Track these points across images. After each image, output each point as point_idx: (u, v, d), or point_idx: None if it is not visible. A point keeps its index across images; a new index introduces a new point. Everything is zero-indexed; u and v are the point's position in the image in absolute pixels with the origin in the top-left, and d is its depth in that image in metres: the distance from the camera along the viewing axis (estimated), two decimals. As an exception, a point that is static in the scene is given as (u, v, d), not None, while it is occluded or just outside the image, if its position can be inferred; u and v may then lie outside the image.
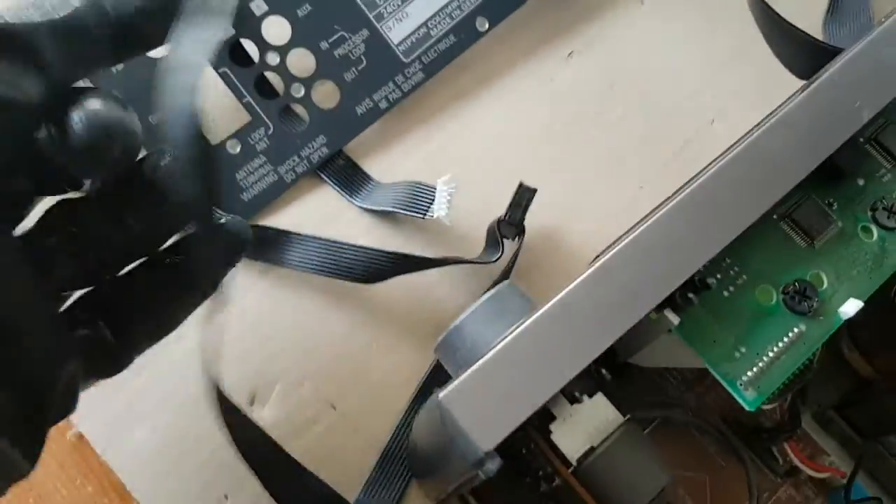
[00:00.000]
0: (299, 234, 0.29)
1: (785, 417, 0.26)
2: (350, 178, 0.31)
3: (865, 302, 0.22)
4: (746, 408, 0.20)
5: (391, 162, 0.32)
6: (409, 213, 0.29)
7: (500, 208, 0.29)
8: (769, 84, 0.31)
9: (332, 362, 0.28)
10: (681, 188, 0.22)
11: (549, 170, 0.32)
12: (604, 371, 0.20)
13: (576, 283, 0.20)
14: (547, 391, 0.18)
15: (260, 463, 0.24)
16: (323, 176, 0.31)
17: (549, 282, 0.30)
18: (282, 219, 0.30)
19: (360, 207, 0.30)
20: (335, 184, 0.31)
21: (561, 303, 0.19)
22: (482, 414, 0.18)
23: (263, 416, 0.28)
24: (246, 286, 0.29)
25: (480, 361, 0.18)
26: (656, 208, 0.22)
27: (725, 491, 0.27)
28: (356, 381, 0.28)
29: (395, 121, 0.32)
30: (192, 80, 0.18)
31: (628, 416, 0.21)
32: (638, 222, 0.23)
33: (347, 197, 0.30)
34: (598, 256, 0.23)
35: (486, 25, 0.32)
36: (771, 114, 0.23)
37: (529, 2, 0.33)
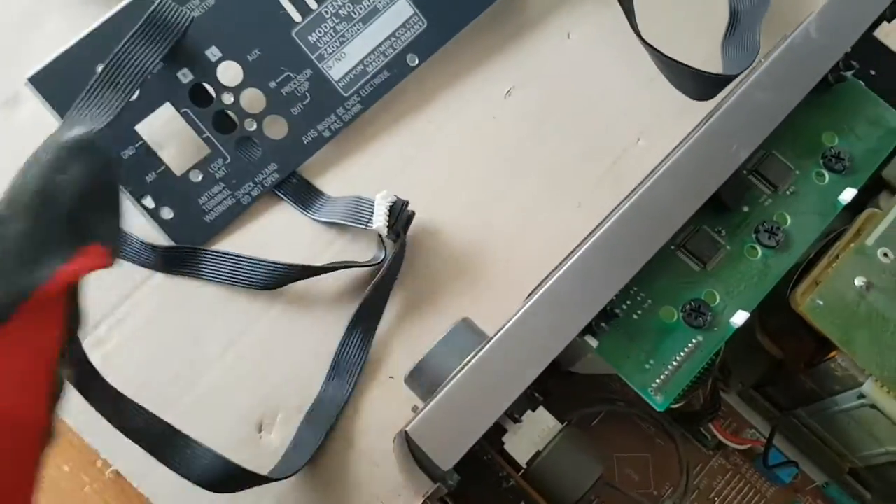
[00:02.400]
0: (208, 250, 0.34)
1: (707, 402, 0.30)
2: (304, 194, 0.36)
3: (755, 308, 0.26)
4: (657, 409, 0.25)
5: (342, 178, 0.36)
6: (353, 223, 0.34)
7: (442, 234, 0.34)
8: (685, 102, 0.36)
9: (324, 389, 0.33)
10: (594, 229, 0.27)
11: (496, 198, 0.36)
12: (536, 394, 0.24)
13: (510, 322, 0.24)
14: (490, 417, 0.23)
15: (148, 439, 0.27)
16: (279, 194, 0.35)
17: (506, 301, 0.35)
18: (244, 235, 0.35)
19: (314, 220, 0.35)
20: (291, 200, 0.35)
21: (499, 341, 0.24)
22: (441, 440, 0.23)
23: (271, 441, 0.32)
24: (253, 320, 0.34)
25: (436, 398, 0.23)
26: (577, 247, 0.27)
27: (665, 466, 0.32)
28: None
29: (344, 144, 0.37)
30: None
31: (566, 423, 0.26)
32: (562, 261, 0.27)
33: (302, 211, 0.35)
34: (530, 294, 0.27)
35: (416, 61, 0.37)
36: (664, 160, 0.27)
37: (470, 37, 0.37)
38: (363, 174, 0.36)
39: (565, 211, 0.36)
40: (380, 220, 0.33)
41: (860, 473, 0.31)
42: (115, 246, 0.22)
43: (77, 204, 0.21)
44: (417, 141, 0.37)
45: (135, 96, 0.33)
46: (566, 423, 0.26)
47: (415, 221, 0.35)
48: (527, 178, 0.37)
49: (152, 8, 0.32)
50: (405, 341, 0.34)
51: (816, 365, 0.28)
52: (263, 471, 0.30)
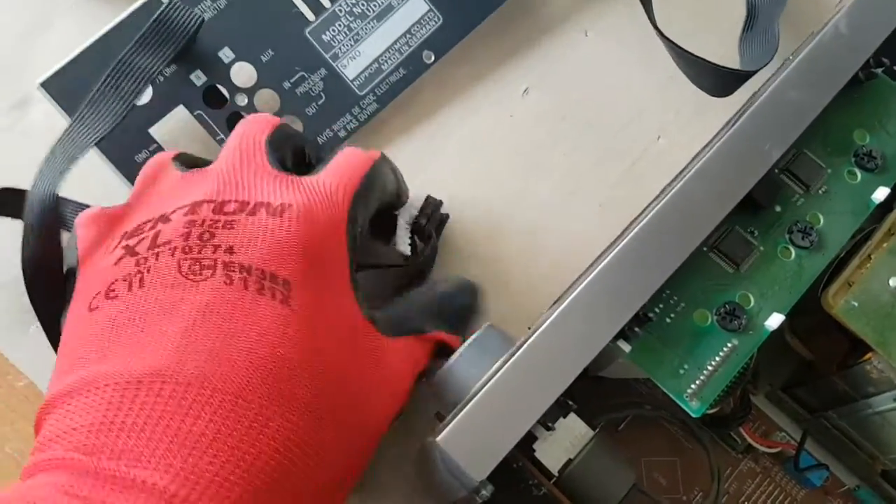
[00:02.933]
0: None
1: (737, 406, 0.30)
2: None
3: (790, 311, 0.26)
4: (693, 415, 0.24)
5: None
6: None
7: (462, 234, 0.34)
8: (704, 99, 0.35)
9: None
10: (628, 227, 0.26)
11: (515, 198, 0.36)
12: (569, 402, 0.24)
13: (542, 328, 0.24)
14: (524, 426, 0.22)
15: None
16: None
17: (526, 301, 0.34)
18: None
19: None
20: None
21: (530, 347, 0.24)
22: (473, 450, 0.22)
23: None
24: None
25: (468, 407, 0.23)
26: (607, 249, 0.26)
27: (694, 470, 0.31)
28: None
29: (360, 144, 0.36)
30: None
31: (597, 429, 0.25)
32: (591, 264, 0.27)
33: None
34: (559, 299, 0.27)
35: (433, 58, 0.36)
36: (694, 159, 0.26)
37: (486, 37, 0.37)
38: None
39: (586, 211, 0.36)
40: (402, 244, 0.32)
41: (892, 475, 0.31)
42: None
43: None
44: (433, 141, 0.37)
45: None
46: (597, 429, 0.25)
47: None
48: (546, 178, 0.36)
49: (159, 11, 0.31)
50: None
51: (850, 367, 0.28)
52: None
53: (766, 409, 0.32)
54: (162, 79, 0.33)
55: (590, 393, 0.30)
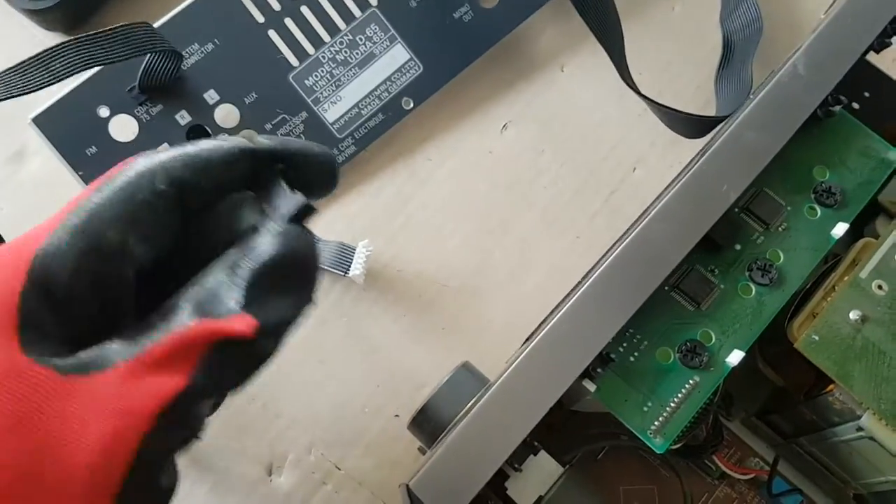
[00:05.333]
0: None
1: (709, 435, 0.31)
2: None
3: (751, 346, 0.27)
4: (656, 451, 0.25)
5: (339, 218, 0.37)
6: (333, 270, 0.34)
7: (443, 269, 0.35)
8: (679, 133, 0.36)
9: (333, 429, 0.34)
10: (588, 272, 0.27)
11: (496, 233, 0.37)
12: (536, 442, 0.25)
13: (508, 371, 0.25)
14: (491, 468, 0.23)
15: None
16: None
17: (508, 337, 0.35)
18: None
19: None
20: None
21: (497, 390, 0.25)
22: (443, 494, 0.23)
23: (282, 483, 0.33)
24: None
25: (438, 451, 0.24)
26: (572, 291, 0.27)
27: (671, 497, 0.32)
28: (355, 443, 0.34)
29: (341, 184, 0.36)
30: None
31: (569, 465, 0.26)
32: (557, 305, 0.28)
33: None
34: (528, 339, 0.28)
35: (412, 104, 0.37)
36: (655, 200, 0.27)
37: (466, 74, 0.38)
38: (361, 213, 0.37)
39: (564, 244, 0.37)
40: (357, 269, 0.33)
41: (865, 498, 0.31)
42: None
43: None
44: (416, 179, 0.38)
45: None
46: (567, 465, 0.26)
47: (416, 258, 0.35)
48: (525, 211, 0.37)
49: (130, 23, 0.32)
50: (409, 378, 0.35)
51: (815, 397, 0.28)
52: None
53: (742, 434, 0.33)
54: (148, 117, 0.35)
55: (567, 426, 0.31)
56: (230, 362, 0.20)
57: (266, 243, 0.20)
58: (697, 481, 0.32)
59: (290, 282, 0.21)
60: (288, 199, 0.21)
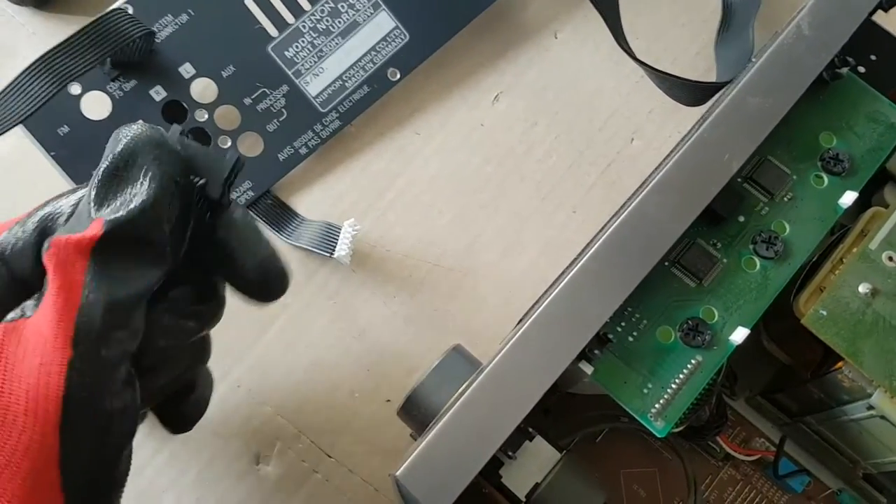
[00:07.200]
0: None
1: (713, 416, 0.29)
2: (277, 215, 0.35)
3: (756, 322, 0.25)
4: (658, 435, 0.24)
5: (326, 196, 0.35)
6: (318, 251, 0.33)
7: (434, 248, 0.34)
8: (678, 100, 0.35)
9: (322, 415, 0.33)
10: (584, 248, 0.26)
11: (488, 209, 0.36)
12: (530, 429, 0.24)
13: (500, 354, 0.23)
14: (483, 457, 0.22)
15: None
16: (253, 213, 0.35)
17: (502, 317, 0.34)
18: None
19: (286, 242, 0.34)
20: (264, 220, 0.34)
21: (488, 375, 0.23)
22: (432, 484, 0.22)
23: (269, 472, 0.32)
24: (240, 354, 0.33)
25: (426, 439, 0.22)
26: (566, 269, 0.26)
27: (673, 480, 0.31)
28: (345, 429, 0.32)
29: (326, 161, 0.36)
30: None
31: (566, 450, 0.25)
32: (551, 284, 0.26)
33: (275, 232, 0.34)
34: (521, 320, 0.26)
35: (398, 76, 0.36)
36: (652, 174, 0.26)
37: (455, 43, 0.36)
38: (348, 191, 0.36)
39: (559, 219, 0.36)
40: (342, 250, 0.32)
41: (875, 478, 0.30)
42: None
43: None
44: (404, 154, 0.36)
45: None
46: (564, 451, 0.25)
47: (406, 236, 0.34)
48: (519, 185, 0.36)
49: (99, 16, 0.31)
50: (400, 362, 0.33)
51: (823, 375, 0.27)
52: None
53: (747, 414, 0.32)
54: (122, 93, 0.33)
55: (565, 409, 0.30)
56: (115, 259, 0.21)
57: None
58: (701, 463, 0.31)
59: (129, 171, 0.22)
60: None
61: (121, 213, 0.21)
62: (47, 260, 0.20)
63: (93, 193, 0.21)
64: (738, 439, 0.31)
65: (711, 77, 0.37)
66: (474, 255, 0.35)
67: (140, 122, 0.23)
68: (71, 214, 0.22)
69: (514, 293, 0.34)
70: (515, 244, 0.35)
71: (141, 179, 0.21)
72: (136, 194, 0.21)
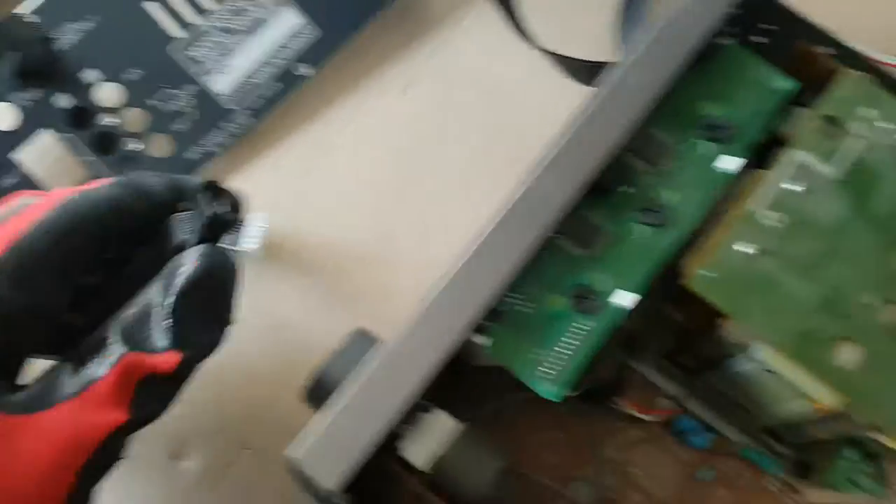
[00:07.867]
0: None
1: (612, 378, 0.31)
2: None
3: (644, 289, 0.26)
4: (553, 400, 0.25)
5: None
6: (230, 246, 0.33)
7: (350, 237, 0.34)
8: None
9: (239, 407, 0.33)
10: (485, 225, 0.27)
11: (402, 197, 0.36)
12: (431, 402, 0.24)
13: (396, 334, 0.24)
14: (379, 431, 0.23)
15: None
16: None
17: (416, 299, 0.34)
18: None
19: None
20: None
21: (385, 352, 0.24)
22: (326, 460, 0.23)
23: (189, 468, 0.32)
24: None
25: (315, 416, 0.23)
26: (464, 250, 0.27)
27: (581, 445, 0.32)
28: (262, 420, 0.33)
29: (239, 158, 0.36)
30: None
31: (470, 421, 0.26)
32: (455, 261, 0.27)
33: None
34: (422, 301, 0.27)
35: (308, 70, 0.36)
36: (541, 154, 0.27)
37: (363, 37, 0.37)
38: (264, 186, 0.36)
39: (471, 206, 0.36)
40: (250, 242, 0.32)
41: (775, 430, 0.32)
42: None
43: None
44: (316, 148, 0.37)
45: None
46: (466, 423, 0.26)
47: (319, 229, 0.35)
48: (431, 175, 0.37)
49: None
50: (317, 351, 0.33)
51: (712, 333, 0.28)
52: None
53: (651, 376, 0.33)
54: (30, 103, 0.34)
55: (473, 382, 0.30)
56: (157, 392, 0.24)
57: (187, 264, 0.24)
58: (607, 425, 0.32)
59: (210, 303, 0.25)
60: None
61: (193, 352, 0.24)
62: (120, 370, 0.23)
63: (174, 323, 0.24)
64: (643, 400, 0.32)
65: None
66: (388, 244, 0.36)
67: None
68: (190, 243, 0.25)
69: (427, 280, 0.35)
70: (429, 233, 0.36)
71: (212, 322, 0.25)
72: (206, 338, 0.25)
